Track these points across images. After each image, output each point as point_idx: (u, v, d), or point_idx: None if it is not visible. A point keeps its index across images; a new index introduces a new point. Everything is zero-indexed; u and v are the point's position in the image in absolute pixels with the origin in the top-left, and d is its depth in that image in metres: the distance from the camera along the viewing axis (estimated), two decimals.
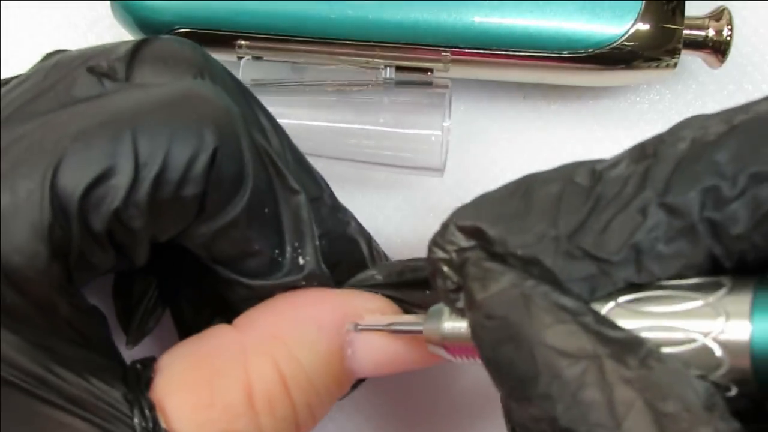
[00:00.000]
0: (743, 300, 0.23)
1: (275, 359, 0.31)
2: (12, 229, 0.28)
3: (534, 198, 0.26)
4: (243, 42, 0.40)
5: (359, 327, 0.33)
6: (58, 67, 0.32)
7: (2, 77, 0.33)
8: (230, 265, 0.33)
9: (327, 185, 0.36)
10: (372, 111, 0.39)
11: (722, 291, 0.24)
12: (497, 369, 0.25)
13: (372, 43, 0.40)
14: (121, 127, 0.29)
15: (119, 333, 0.36)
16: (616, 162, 0.26)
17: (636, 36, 0.39)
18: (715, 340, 0.23)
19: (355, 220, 0.36)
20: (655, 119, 0.43)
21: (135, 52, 0.32)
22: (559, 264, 0.25)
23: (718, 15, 0.40)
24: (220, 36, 0.40)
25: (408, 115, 0.39)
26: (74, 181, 0.28)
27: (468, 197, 0.28)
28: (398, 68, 0.40)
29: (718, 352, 0.23)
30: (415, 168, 0.40)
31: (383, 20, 0.40)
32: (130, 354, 0.34)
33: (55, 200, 0.28)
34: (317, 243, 0.33)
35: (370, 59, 0.40)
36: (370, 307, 0.33)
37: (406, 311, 0.34)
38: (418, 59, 0.40)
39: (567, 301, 0.24)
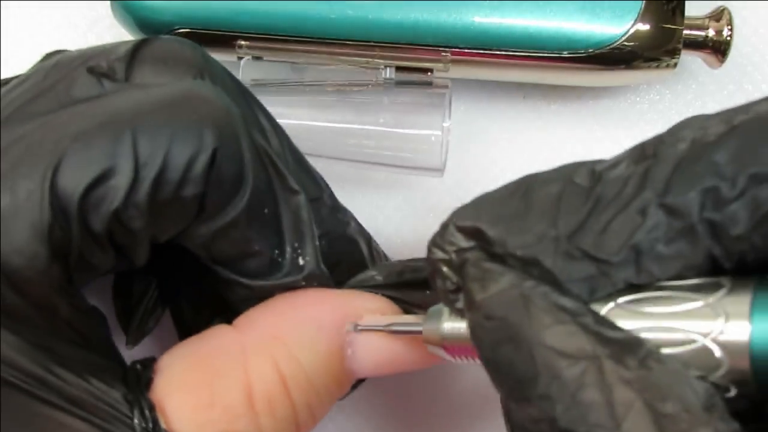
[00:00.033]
0: (743, 301, 0.23)
1: (275, 359, 0.31)
2: (12, 229, 0.28)
3: (534, 198, 0.26)
4: (243, 42, 0.40)
5: (359, 327, 0.33)
6: (58, 67, 0.32)
7: (2, 77, 0.33)
8: (230, 266, 0.33)
9: (327, 185, 0.36)
10: (372, 111, 0.39)
11: (722, 292, 0.24)
12: (496, 370, 0.25)
13: (372, 43, 0.40)
14: (120, 127, 0.29)
15: (119, 333, 0.36)
16: (615, 162, 0.26)
17: (636, 36, 0.39)
18: (714, 340, 0.23)
19: (355, 220, 0.36)
20: (655, 119, 0.43)
21: (135, 53, 0.32)
22: (559, 265, 0.25)
23: (718, 15, 0.40)
24: (220, 36, 0.40)
25: (408, 115, 0.39)
26: (74, 181, 0.28)
27: (468, 197, 0.28)
28: (398, 68, 0.40)
29: (718, 352, 0.23)
30: (415, 168, 0.40)
31: (383, 20, 0.40)
32: (130, 354, 0.34)
33: (54, 201, 0.28)
34: (317, 243, 0.33)
35: (370, 59, 0.40)
36: (370, 308, 0.33)
37: (406, 311, 0.34)
38: (418, 59, 0.40)
39: (566, 302, 0.24)
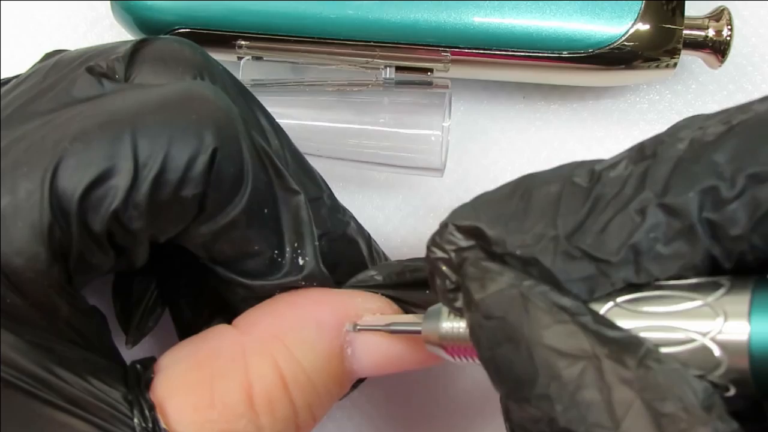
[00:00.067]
0: (742, 300, 0.23)
1: (275, 359, 0.31)
2: (12, 230, 0.28)
3: (533, 198, 0.26)
4: (243, 42, 0.40)
5: (358, 327, 0.33)
6: (57, 67, 0.32)
7: (2, 77, 0.33)
8: (230, 266, 0.33)
9: (326, 185, 0.36)
10: (372, 111, 0.39)
11: (721, 291, 0.24)
12: (496, 369, 0.25)
13: (372, 43, 0.40)
14: (120, 127, 0.29)
15: (119, 333, 0.36)
16: (615, 162, 0.26)
17: (636, 36, 0.39)
18: (713, 340, 0.23)
19: (355, 220, 0.36)
20: (655, 119, 0.43)
21: (134, 53, 0.32)
22: (558, 264, 0.25)
23: (718, 15, 0.40)
24: (220, 36, 0.40)
25: (408, 115, 0.39)
26: (74, 181, 0.28)
27: (468, 197, 0.28)
28: (398, 68, 0.40)
29: (717, 352, 0.23)
30: (415, 168, 0.40)
31: (383, 20, 0.40)
32: (130, 354, 0.34)
33: (54, 201, 0.28)
34: (317, 243, 0.33)
35: (370, 59, 0.40)
36: (370, 307, 0.33)
37: (406, 311, 0.34)
38: (418, 59, 0.40)
39: (565, 301, 0.24)
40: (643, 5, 0.39)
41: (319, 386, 0.32)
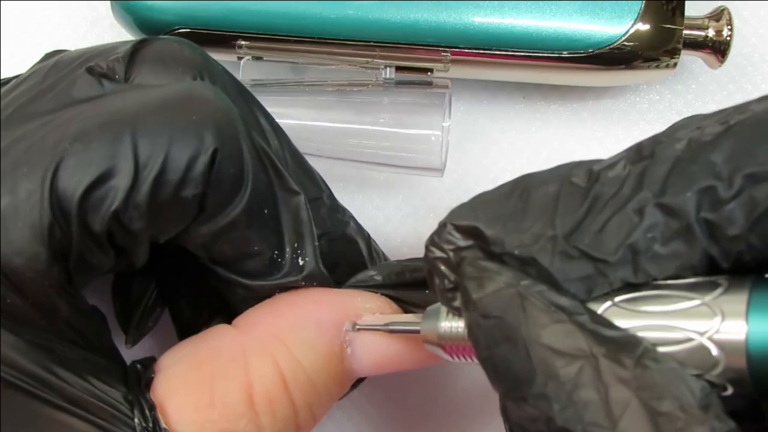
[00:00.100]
0: (739, 300, 0.23)
1: (275, 359, 0.31)
2: (12, 230, 0.28)
3: (531, 198, 0.26)
4: (243, 42, 0.40)
5: (358, 327, 0.33)
6: (57, 68, 0.32)
7: (2, 77, 0.34)
8: (230, 266, 0.33)
9: (326, 186, 0.36)
10: (372, 111, 0.39)
11: (718, 291, 0.24)
12: (493, 369, 0.25)
13: (372, 43, 0.40)
14: (120, 128, 0.29)
15: (119, 333, 0.36)
16: (613, 162, 0.26)
17: (636, 36, 0.39)
18: (711, 339, 0.23)
19: (354, 220, 0.36)
20: (655, 119, 0.43)
21: (134, 53, 0.32)
22: (556, 264, 0.25)
23: (718, 15, 0.40)
24: (220, 36, 0.40)
25: (408, 115, 0.39)
26: (74, 182, 0.28)
27: (468, 197, 0.28)
28: (398, 68, 0.40)
29: (714, 351, 0.23)
30: (415, 168, 0.40)
31: (383, 20, 0.40)
32: (130, 354, 0.34)
33: (54, 201, 0.28)
34: (316, 243, 0.33)
35: (370, 59, 0.40)
36: (370, 307, 0.34)
37: (406, 311, 0.34)
38: (418, 59, 0.40)
39: (563, 301, 0.24)
40: (643, 5, 0.39)
41: (319, 386, 0.32)
